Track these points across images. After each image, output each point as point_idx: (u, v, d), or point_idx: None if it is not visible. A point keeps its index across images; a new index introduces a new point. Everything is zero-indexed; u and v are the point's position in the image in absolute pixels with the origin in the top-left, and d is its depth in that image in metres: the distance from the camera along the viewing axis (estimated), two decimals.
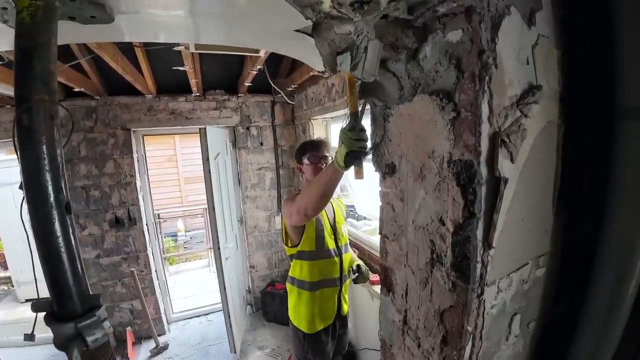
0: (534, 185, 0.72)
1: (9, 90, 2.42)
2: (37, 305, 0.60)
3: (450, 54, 0.65)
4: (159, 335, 3.54)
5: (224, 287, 2.90)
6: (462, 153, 0.63)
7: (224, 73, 3.21)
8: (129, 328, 3.46)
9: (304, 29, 0.73)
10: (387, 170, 0.85)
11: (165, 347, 3.47)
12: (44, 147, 0.54)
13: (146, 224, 3.50)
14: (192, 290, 4.80)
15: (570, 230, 0.83)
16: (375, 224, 3.77)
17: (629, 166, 0.70)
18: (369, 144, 1.08)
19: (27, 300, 4.52)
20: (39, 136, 0.54)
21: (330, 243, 1.92)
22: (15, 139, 0.54)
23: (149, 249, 3.50)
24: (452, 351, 0.75)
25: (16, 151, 0.54)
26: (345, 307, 2.06)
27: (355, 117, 0.99)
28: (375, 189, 3.00)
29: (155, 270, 3.67)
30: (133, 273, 3.30)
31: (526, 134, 0.67)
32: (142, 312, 3.42)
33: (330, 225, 1.96)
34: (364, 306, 2.54)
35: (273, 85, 2.69)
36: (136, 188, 3.31)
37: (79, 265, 0.58)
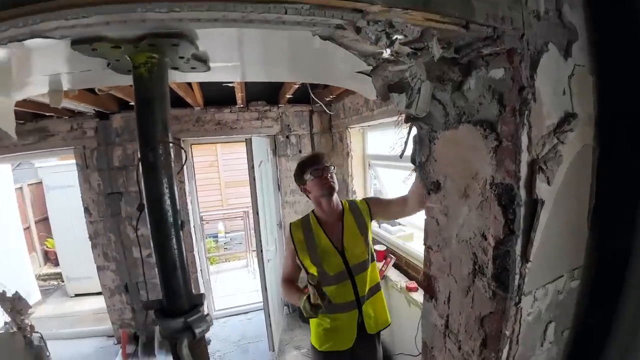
0: (569, 204, 0.78)
1: (70, 104, 2.70)
2: (147, 304, 0.75)
3: (493, 89, 0.73)
4: None
5: (265, 288, 3.05)
6: (504, 177, 0.72)
7: (266, 85, 3.40)
8: None
9: (364, 71, 0.85)
10: (432, 187, 0.95)
11: (208, 343, 3.67)
12: (165, 178, 0.69)
13: (193, 226, 3.75)
14: (232, 289, 5.03)
15: (604, 245, 0.88)
16: (410, 230, 3.80)
17: None
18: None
19: (76, 295, 4.94)
20: (162, 170, 0.69)
21: (336, 266, 1.72)
22: (139, 171, 0.69)
23: (195, 249, 3.74)
24: (490, 353, 0.83)
25: (138, 181, 0.69)
26: (371, 326, 1.82)
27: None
28: None
29: (200, 270, 3.92)
30: None
31: (562, 160, 0.74)
32: None
33: (335, 247, 1.75)
34: (400, 312, 2.59)
35: (313, 96, 2.83)
36: (185, 193, 3.56)
37: (187, 270, 0.73)
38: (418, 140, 0.99)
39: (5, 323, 1.99)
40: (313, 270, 1.76)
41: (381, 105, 2.60)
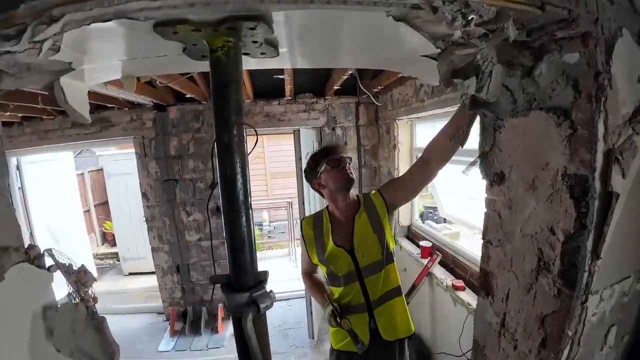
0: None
1: (129, 96, 2.91)
2: (214, 278, 0.80)
3: (567, 74, 0.69)
4: None
5: None
6: (578, 168, 0.67)
7: (312, 78, 3.43)
8: (220, 304, 3.84)
9: (431, 54, 0.83)
10: (496, 179, 0.91)
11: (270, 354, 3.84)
12: (239, 159, 0.73)
13: None
14: (274, 277, 5.16)
15: None
16: (457, 228, 3.67)
17: None
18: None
19: (130, 274, 5.37)
20: (236, 151, 0.73)
21: (345, 267, 1.59)
22: (215, 151, 0.74)
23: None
24: (549, 354, 0.79)
25: (212, 161, 0.74)
26: (388, 332, 1.65)
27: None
28: (462, 192, 2.86)
29: None
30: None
31: (637, 151, 0.69)
32: None
33: (344, 247, 1.60)
34: (445, 311, 2.53)
35: (362, 87, 2.80)
36: None
37: (254, 247, 0.77)
38: (482, 129, 0.95)
39: (69, 294, 2.20)
40: (323, 269, 1.70)
41: (432, 96, 2.52)
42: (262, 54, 0.86)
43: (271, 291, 0.78)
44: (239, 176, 0.73)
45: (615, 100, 0.65)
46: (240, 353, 0.76)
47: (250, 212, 0.77)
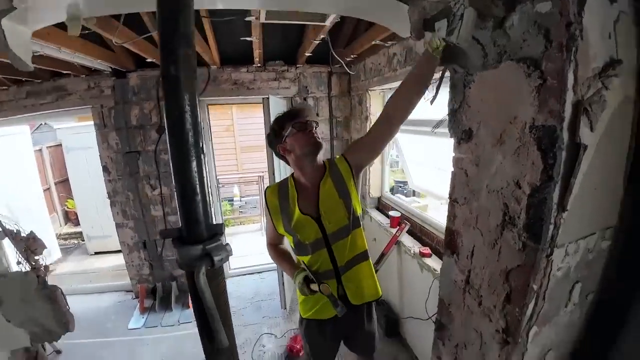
0: (609, 156, 0.74)
1: (85, 61, 2.68)
2: (165, 232, 0.74)
3: (538, 24, 0.67)
4: None
5: None
6: (546, 119, 0.66)
7: (283, 44, 3.28)
8: None
9: None
10: (464, 136, 0.89)
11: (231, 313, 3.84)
12: (187, 94, 0.65)
13: (209, 187, 3.80)
14: (246, 251, 5.18)
15: (637, 208, 0.83)
16: (426, 201, 3.76)
17: None
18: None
19: (96, 253, 5.18)
20: (184, 86, 0.65)
21: (312, 235, 1.56)
22: (160, 89, 0.65)
23: (212, 210, 3.81)
24: (514, 308, 0.80)
25: (158, 100, 0.65)
26: (355, 297, 1.66)
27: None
28: (431, 163, 2.90)
29: None
30: None
31: (606, 105, 0.69)
32: None
33: (309, 215, 1.56)
34: (412, 277, 2.61)
35: (334, 54, 2.71)
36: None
37: (207, 198, 0.70)
38: (451, 86, 0.92)
39: (18, 262, 2.03)
40: (289, 238, 1.65)
41: (405, 65, 2.48)
42: None
43: (227, 244, 0.73)
44: (187, 115, 0.65)
45: (585, 52, 0.64)
46: (197, 311, 0.72)
47: (203, 157, 0.70)
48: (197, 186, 0.69)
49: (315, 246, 1.58)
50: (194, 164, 0.68)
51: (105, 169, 3.50)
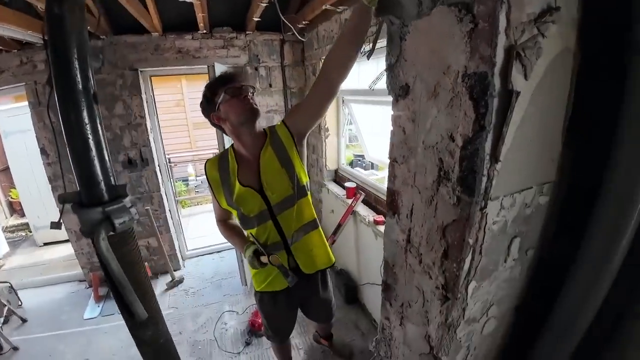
0: (545, 108, 0.73)
1: (16, 33, 2.40)
2: (63, 197, 0.64)
3: None
4: (174, 270, 3.81)
5: None
6: (477, 65, 0.63)
7: (230, 8, 3.06)
8: (146, 263, 3.70)
9: None
10: (401, 92, 0.85)
11: (181, 281, 3.74)
12: (74, 35, 0.54)
13: (158, 165, 3.59)
14: (204, 231, 5.04)
15: (577, 164, 0.85)
16: (383, 174, 3.81)
17: (637, 103, 0.70)
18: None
19: (45, 244, 4.87)
20: (69, 25, 0.54)
21: (256, 207, 1.50)
22: (45, 30, 0.55)
23: (162, 189, 3.62)
24: (452, 264, 0.80)
25: (45, 44, 0.55)
26: (308, 266, 1.66)
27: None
28: (386, 134, 2.95)
29: (169, 210, 3.84)
30: (148, 212, 3.45)
31: (541, 53, 0.66)
32: (158, 248, 3.64)
33: (251, 187, 1.49)
34: (368, 245, 2.66)
35: (283, 19, 2.57)
36: (147, 129, 3.34)
37: (105, 155, 0.61)
38: (388, 39, 0.87)
39: None
40: (233, 212, 1.59)
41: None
42: None
43: (132, 206, 0.65)
44: (74, 58, 0.55)
45: None
46: (109, 283, 0.64)
47: (95, 106, 0.61)
48: (91, 140, 0.60)
49: (260, 218, 1.52)
50: (85, 114, 0.58)
51: (43, 151, 3.20)
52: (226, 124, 1.46)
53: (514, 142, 0.68)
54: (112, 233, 0.61)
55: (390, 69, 0.87)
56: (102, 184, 0.62)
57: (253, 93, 1.47)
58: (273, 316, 1.85)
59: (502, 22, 0.60)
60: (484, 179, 0.68)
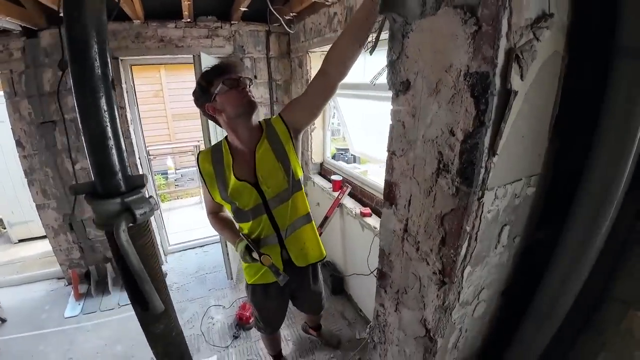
0: (536, 107, 0.79)
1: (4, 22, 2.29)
2: (76, 188, 0.63)
3: None
4: None
5: None
6: (480, 65, 0.67)
7: None
8: None
9: None
10: (402, 88, 0.89)
11: (164, 276, 3.69)
12: (93, 17, 0.53)
13: (139, 158, 3.50)
14: (186, 226, 4.97)
15: (561, 159, 0.92)
16: (365, 167, 3.88)
17: (617, 103, 0.77)
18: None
19: (20, 241, 4.68)
20: (88, 7, 0.53)
21: (251, 201, 1.49)
22: (61, 11, 0.54)
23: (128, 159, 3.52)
24: (449, 250, 0.86)
25: (60, 28, 0.54)
26: (299, 259, 1.68)
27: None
28: (372, 128, 2.98)
29: None
30: None
31: (536, 55, 0.72)
32: None
33: (247, 181, 1.48)
34: (354, 237, 2.71)
35: (272, 9, 2.55)
36: (127, 120, 3.24)
37: (122, 144, 0.61)
38: (390, 36, 0.90)
39: None
40: (227, 207, 1.59)
41: (346, 25, 2.43)
42: None
43: (151, 196, 0.65)
44: (93, 41, 0.54)
45: (520, 1, 0.65)
46: (123, 275, 0.64)
47: (113, 93, 0.60)
48: (109, 129, 0.59)
49: (255, 212, 1.53)
50: (103, 100, 0.57)
51: (18, 143, 3.05)
52: (222, 115, 1.43)
53: (509, 137, 0.73)
54: (131, 224, 0.61)
55: (392, 65, 0.90)
56: (120, 174, 0.61)
57: (250, 85, 1.46)
58: (265, 308, 1.87)
59: (504, 26, 0.64)
60: (482, 171, 0.73)
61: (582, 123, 0.86)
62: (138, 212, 0.60)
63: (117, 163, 0.61)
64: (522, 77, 0.70)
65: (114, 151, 0.60)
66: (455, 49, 0.72)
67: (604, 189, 0.81)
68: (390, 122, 0.98)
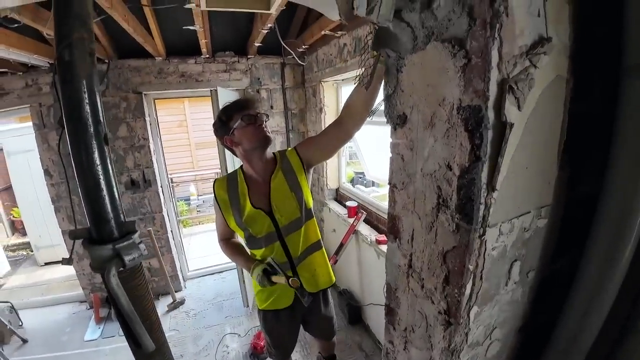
0: (539, 135, 0.75)
1: (22, 56, 2.50)
2: (74, 233, 0.67)
3: (462, 2, 0.66)
4: (175, 292, 3.78)
5: None
6: (471, 99, 0.66)
7: (232, 34, 3.17)
8: None
9: None
10: (399, 121, 0.88)
11: (182, 302, 3.71)
12: (84, 81, 0.58)
13: (161, 186, 3.62)
14: (206, 251, 5.02)
15: (573, 186, 0.87)
16: (384, 191, 3.83)
17: (630, 125, 0.72)
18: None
19: (46, 264, 4.87)
20: (79, 71, 0.58)
21: (264, 228, 1.55)
22: (56, 75, 0.58)
23: (164, 209, 3.63)
24: (453, 289, 0.81)
25: (56, 88, 0.59)
26: (311, 285, 1.70)
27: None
28: (387, 153, 3.00)
29: (171, 231, 3.84)
30: (150, 232, 3.46)
31: (534, 83, 0.69)
32: (159, 269, 3.62)
33: (261, 209, 1.55)
34: (370, 265, 2.64)
35: (284, 44, 2.65)
36: (150, 151, 3.39)
37: (115, 193, 0.64)
38: (386, 71, 0.91)
39: None
40: (240, 233, 1.64)
41: (355, 55, 2.48)
42: None
43: (141, 242, 0.68)
44: (85, 102, 0.59)
45: (511, 29, 0.63)
46: (117, 315, 0.66)
47: (107, 148, 0.64)
48: (102, 181, 0.63)
49: (268, 240, 1.57)
50: (96, 155, 0.61)
51: (46, 172, 3.25)
52: (238, 147, 1.52)
53: (509, 170, 0.70)
54: (121, 269, 0.64)
55: (388, 99, 0.90)
56: (112, 221, 0.65)
57: (267, 120, 1.56)
58: (276, 333, 1.86)
59: (495, 57, 0.63)
60: (482, 207, 0.70)
61: (594, 147, 0.81)
62: (127, 258, 0.63)
63: (110, 211, 0.64)
64: (519, 107, 0.68)
65: (106, 200, 0.64)
66: (446, 83, 0.71)
67: (622, 215, 0.75)
68: (390, 155, 0.96)
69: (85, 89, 0.59)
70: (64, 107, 0.59)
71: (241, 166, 1.63)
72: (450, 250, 0.79)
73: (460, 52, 0.67)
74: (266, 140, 1.51)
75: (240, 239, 1.74)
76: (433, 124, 0.76)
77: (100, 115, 0.62)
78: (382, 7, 0.66)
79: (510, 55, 0.65)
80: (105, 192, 0.63)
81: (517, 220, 0.79)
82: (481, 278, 0.79)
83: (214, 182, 1.65)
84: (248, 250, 1.72)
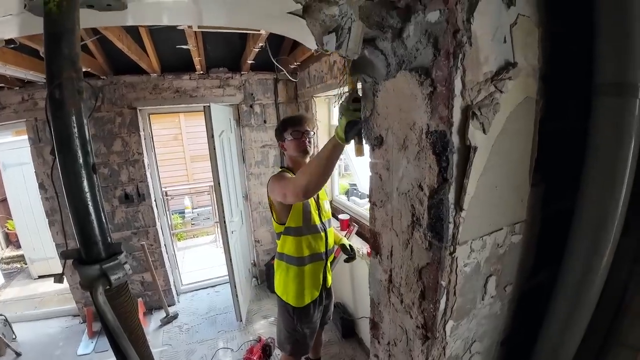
0: (509, 155, 0.79)
1: (18, 73, 2.54)
2: (65, 253, 0.71)
3: (429, 33, 0.70)
4: (168, 306, 3.74)
5: (230, 259, 3.04)
6: (437, 124, 0.70)
7: (226, 51, 3.24)
8: (139, 299, 3.64)
9: (296, 12, 0.79)
10: (376, 142, 0.93)
11: (175, 317, 3.68)
12: (73, 117, 0.63)
13: (154, 200, 3.63)
14: (200, 264, 5.00)
15: (548, 201, 0.91)
16: None
17: (601, 140, 0.76)
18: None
19: (40, 277, 4.81)
20: (69, 108, 0.63)
21: (316, 219, 1.93)
22: (48, 111, 0.63)
23: (157, 224, 3.64)
24: (429, 304, 0.84)
25: (48, 122, 0.63)
26: (329, 280, 2.13)
27: (352, 92, 1.09)
28: None
29: (165, 245, 3.83)
30: (143, 247, 3.46)
31: (499, 108, 0.73)
32: (152, 284, 3.61)
33: (315, 201, 1.97)
34: (363, 278, 2.65)
35: (275, 62, 2.72)
36: (144, 165, 3.41)
37: (103, 217, 0.68)
38: (363, 95, 0.96)
39: None
40: (291, 222, 1.89)
41: (345, 72, 2.54)
42: (108, 5, 0.76)
43: (126, 262, 0.72)
44: (74, 137, 0.64)
45: (475, 58, 0.67)
46: (105, 332, 0.70)
47: (95, 176, 0.69)
48: (90, 206, 0.68)
49: (315, 230, 1.92)
50: (85, 184, 0.66)
51: (41, 186, 3.26)
52: (286, 152, 1.94)
53: (477, 190, 0.74)
54: (108, 287, 0.68)
55: (366, 121, 0.95)
56: (100, 243, 0.69)
57: (313, 135, 1.91)
58: (314, 325, 2.10)
59: (458, 85, 0.67)
60: (451, 226, 0.73)
61: (568, 163, 0.85)
62: (113, 277, 0.68)
63: (97, 234, 0.69)
64: (484, 130, 0.72)
65: (94, 224, 0.69)
66: (416, 109, 0.75)
67: (596, 227, 0.79)
68: (370, 174, 1.00)
69: (75, 125, 0.64)
70: (55, 140, 0.64)
71: (286, 166, 1.97)
72: (425, 267, 0.83)
73: (426, 81, 0.71)
74: (306, 152, 1.88)
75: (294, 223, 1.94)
76: (406, 147, 0.81)
77: (89, 146, 0.67)
78: (350, 42, 0.71)
79: (474, 83, 0.69)
80: (93, 216, 0.68)
81: (489, 237, 0.83)
82: (455, 294, 0.82)
83: (281, 171, 1.95)
84: (295, 239, 1.91)
